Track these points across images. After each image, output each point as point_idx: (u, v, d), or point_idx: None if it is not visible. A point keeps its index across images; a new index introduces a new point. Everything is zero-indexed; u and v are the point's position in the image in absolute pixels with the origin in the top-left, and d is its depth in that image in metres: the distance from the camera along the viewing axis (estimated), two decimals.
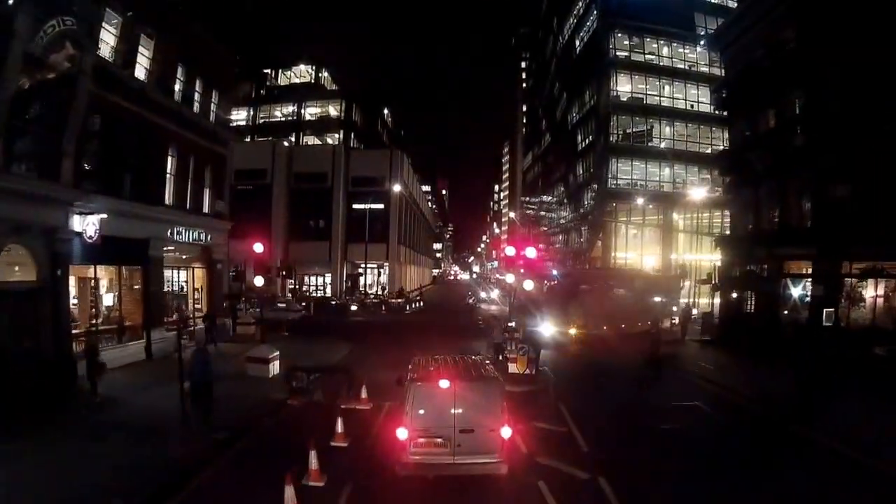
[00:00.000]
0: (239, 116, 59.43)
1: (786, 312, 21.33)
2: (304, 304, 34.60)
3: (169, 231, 19.60)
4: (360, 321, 32.42)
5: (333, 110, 59.76)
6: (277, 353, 16.22)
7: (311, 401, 13.39)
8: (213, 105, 23.97)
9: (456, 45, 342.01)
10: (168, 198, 20.21)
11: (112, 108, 16.83)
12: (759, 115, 23.91)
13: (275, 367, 15.91)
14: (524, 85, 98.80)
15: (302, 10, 57.63)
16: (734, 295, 25.44)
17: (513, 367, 15.93)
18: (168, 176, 20.28)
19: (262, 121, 58.87)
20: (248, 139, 56.38)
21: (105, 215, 15.38)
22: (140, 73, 18.68)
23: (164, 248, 19.41)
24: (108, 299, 17.00)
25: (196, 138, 22.02)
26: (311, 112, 59.61)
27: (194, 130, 21.89)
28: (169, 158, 20.39)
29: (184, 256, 22.32)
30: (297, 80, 62.21)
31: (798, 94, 21.01)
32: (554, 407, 13.67)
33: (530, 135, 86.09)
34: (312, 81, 61.66)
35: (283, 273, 36.53)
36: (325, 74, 62.51)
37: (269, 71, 61.53)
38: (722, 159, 29.39)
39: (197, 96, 22.79)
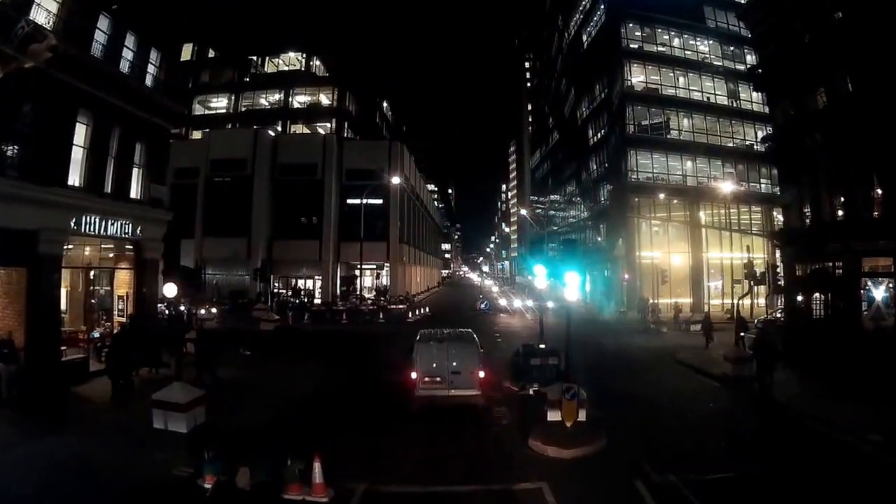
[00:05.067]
0: (219, 104, 54.45)
1: (870, 319, 17.81)
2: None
3: (74, 220, 14.54)
4: (347, 334, 27.20)
5: (325, 98, 54.54)
6: (201, 393, 11.01)
7: (233, 485, 8.21)
8: (151, 67, 18.95)
9: (458, 47, 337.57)
10: (76, 177, 15.16)
11: None
12: (806, 94, 20.95)
13: (197, 416, 10.76)
14: (528, 84, 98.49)
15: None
16: (799, 298, 21.99)
17: (554, 415, 10.12)
18: (76, 149, 15.22)
19: (244, 108, 53.66)
20: (229, 127, 51.37)
21: None
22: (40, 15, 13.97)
23: (66, 243, 14.34)
24: None
25: (123, 104, 16.98)
26: (299, 100, 54.42)
27: (120, 95, 16.85)
28: (78, 126, 15.35)
29: (110, 255, 17.32)
30: (285, 68, 57.01)
31: (850, 67, 18.28)
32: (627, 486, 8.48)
33: (537, 133, 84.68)
34: (302, 69, 56.42)
35: (259, 276, 31.46)
36: (317, 62, 57.26)
37: (255, 58, 56.32)
38: (769, 144, 26.21)
39: (129, 54, 17.84)
